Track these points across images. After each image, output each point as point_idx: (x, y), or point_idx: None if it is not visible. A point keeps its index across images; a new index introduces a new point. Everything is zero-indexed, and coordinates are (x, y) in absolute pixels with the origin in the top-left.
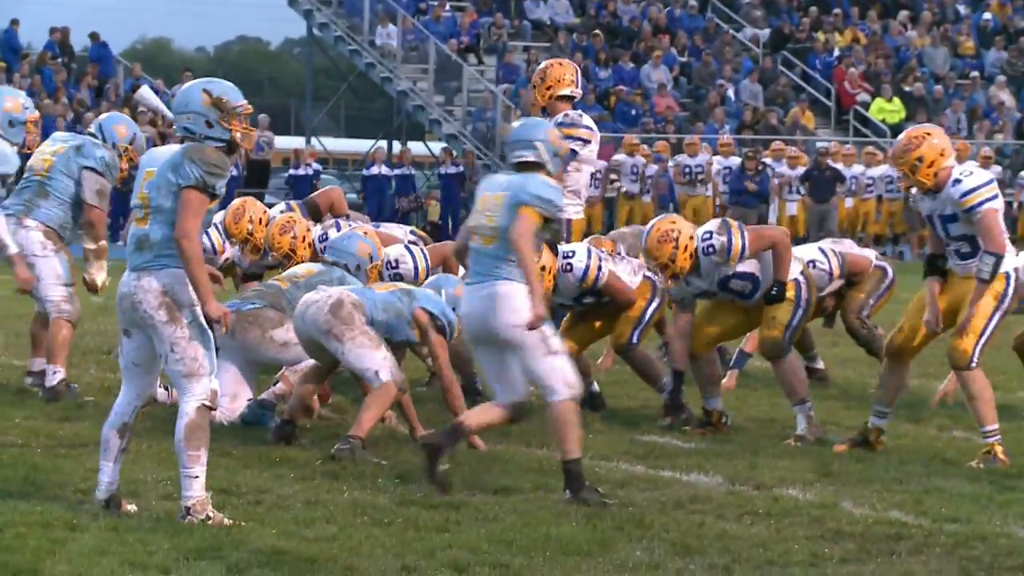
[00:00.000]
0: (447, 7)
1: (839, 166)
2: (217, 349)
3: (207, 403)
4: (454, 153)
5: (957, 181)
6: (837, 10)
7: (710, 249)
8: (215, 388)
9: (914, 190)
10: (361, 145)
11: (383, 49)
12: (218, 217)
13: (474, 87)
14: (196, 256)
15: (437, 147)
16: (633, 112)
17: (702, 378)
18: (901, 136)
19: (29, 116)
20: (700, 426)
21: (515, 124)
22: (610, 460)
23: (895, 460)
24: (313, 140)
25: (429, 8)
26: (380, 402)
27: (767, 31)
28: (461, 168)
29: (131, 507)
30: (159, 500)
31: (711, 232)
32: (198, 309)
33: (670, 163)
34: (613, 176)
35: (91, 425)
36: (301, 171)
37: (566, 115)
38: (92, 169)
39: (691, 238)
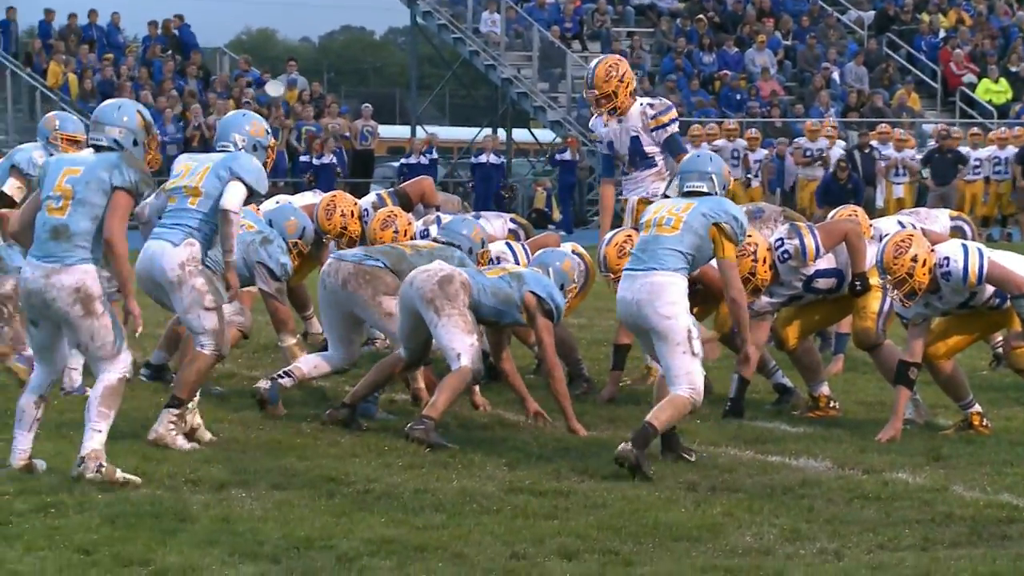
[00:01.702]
0: None
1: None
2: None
3: (127, 375)
4: (576, 140)
5: (947, 273)
6: None
7: (785, 255)
8: (131, 359)
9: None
10: (466, 133)
11: (487, 37)
12: (297, 199)
13: (578, 74)
14: (124, 254)
15: (542, 134)
16: (738, 97)
17: (803, 367)
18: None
19: (270, 142)
20: (808, 411)
21: (688, 157)
22: (718, 446)
23: (1005, 442)
24: (418, 129)
25: None
26: (455, 386)
27: (872, 13)
28: (568, 155)
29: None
30: (269, 490)
31: (782, 239)
32: (104, 297)
33: (790, 148)
34: None
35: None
36: (413, 159)
37: (651, 105)
38: (270, 271)
39: (768, 250)
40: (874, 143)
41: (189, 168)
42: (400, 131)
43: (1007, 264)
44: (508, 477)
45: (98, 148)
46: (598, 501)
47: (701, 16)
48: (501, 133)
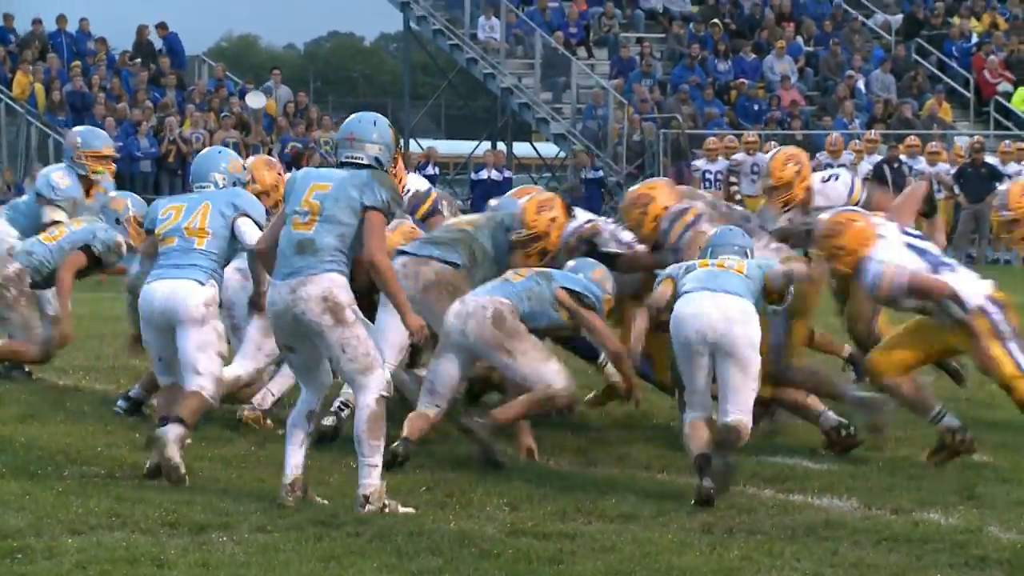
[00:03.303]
0: None
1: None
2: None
3: (385, 393)
4: (593, 156)
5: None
6: None
7: None
8: (388, 378)
9: None
10: (463, 147)
11: (486, 43)
12: None
13: (584, 82)
14: (391, 275)
15: (544, 148)
16: (756, 107)
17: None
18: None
19: (247, 178)
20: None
21: (720, 231)
22: (736, 484)
23: None
24: (412, 141)
25: None
26: (538, 401)
27: (899, 17)
28: (600, 172)
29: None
30: (252, 533)
31: None
32: (355, 306)
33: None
34: (732, 180)
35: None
36: None
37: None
38: None
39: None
40: (903, 158)
41: (180, 209)
42: None
43: None
44: (509, 518)
45: (349, 165)
46: (606, 544)
47: (716, 21)
48: (501, 146)
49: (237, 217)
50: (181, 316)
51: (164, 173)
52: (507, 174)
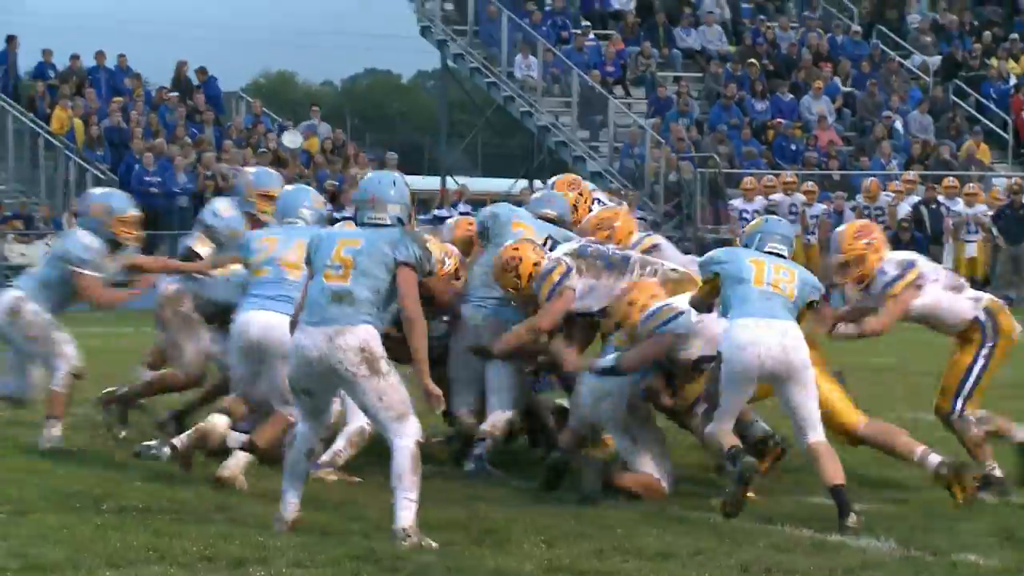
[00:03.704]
0: (591, 35)
1: None
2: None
3: (420, 439)
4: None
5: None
6: (1014, 35)
7: None
8: (418, 423)
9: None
10: (500, 184)
11: (523, 81)
12: None
13: (621, 121)
14: (425, 331)
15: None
16: (792, 147)
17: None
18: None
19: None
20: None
21: (770, 218)
22: (773, 523)
23: None
24: (448, 179)
25: (571, 37)
26: (644, 492)
27: (937, 58)
28: (641, 212)
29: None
30: (289, 568)
31: None
32: (387, 357)
33: (848, 205)
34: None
35: (215, 488)
36: (444, 212)
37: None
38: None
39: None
40: (941, 198)
41: (275, 241)
42: (429, 182)
43: None
44: (546, 556)
45: (372, 226)
46: None
47: (753, 60)
48: (538, 184)
49: None
50: (274, 352)
51: (202, 208)
52: None
